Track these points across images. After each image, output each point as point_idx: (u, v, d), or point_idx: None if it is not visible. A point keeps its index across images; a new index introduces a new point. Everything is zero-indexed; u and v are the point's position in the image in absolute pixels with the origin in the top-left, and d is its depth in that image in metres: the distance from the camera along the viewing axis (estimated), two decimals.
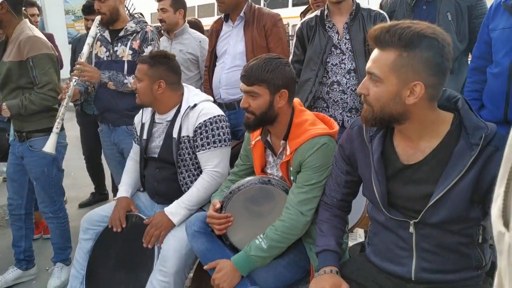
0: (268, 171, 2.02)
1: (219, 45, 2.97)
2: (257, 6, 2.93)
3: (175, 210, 2.14)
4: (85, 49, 2.67)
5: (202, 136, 2.18)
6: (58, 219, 2.78)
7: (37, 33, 2.56)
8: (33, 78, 2.48)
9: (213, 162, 2.20)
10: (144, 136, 2.36)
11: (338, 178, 1.69)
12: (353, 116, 2.50)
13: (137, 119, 2.46)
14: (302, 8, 4.03)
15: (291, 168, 1.84)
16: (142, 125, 2.39)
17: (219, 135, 2.20)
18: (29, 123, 2.57)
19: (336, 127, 1.87)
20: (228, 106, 2.93)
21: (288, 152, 1.84)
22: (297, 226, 1.77)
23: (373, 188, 1.48)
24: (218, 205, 1.92)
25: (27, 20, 2.59)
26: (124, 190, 2.40)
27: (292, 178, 1.85)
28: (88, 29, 3.68)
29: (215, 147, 2.19)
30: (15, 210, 2.76)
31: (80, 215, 3.16)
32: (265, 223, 1.84)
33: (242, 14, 2.86)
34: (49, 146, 2.48)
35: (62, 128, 2.67)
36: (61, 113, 2.51)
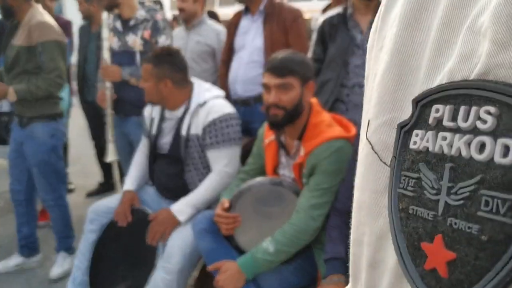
0: (280, 171, 1.96)
1: (237, 39, 2.89)
2: (278, 0, 2.85)
3: (182, 208, 2.09)
4: (106, 55, 2.73)
5: (211, 134, 2.13)
6: (59, 207, 2.76)
7: (48, 19, 2.55)
8: (41, 63, 2.46)
9: (222, 161, 2.14)
10: (154, 132, 2.31)
11: (351, 184, 1.62)
12: None
13: (147, 112, 2.42)
14: (326, 2, 3.91)
15: (304, 170, 1.78)
16: (152, 120, 2.34)
17: (228, 133, 2.14)
18: (31, 109, 2.55)
19: (354, 131, 1.80)
20: (243, 102, 2.85)
21: (302, 153, 1.78)
22: (307, 230, 1.71)
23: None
24: (226, 204, 1.87)
25: (39, 5, 2.58)
26: (130, 183, 2.36)
27: (304, 180, 1.79)
28: (81, 11, 3.66)
29: (224, 146, 2.13)
30: (15, 195, 2.77)
31: (87, 204, 3.13)
32: (274, 226, 1.78)
33: (262, 8, 2.78)
34: (111, 154, 2.87)
35: (61, 116, 2.68)
36: (109, 122, 2.80)
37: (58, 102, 2.67)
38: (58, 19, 3.83)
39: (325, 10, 3.60)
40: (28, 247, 2.84)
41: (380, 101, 0.28)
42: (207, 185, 2.13)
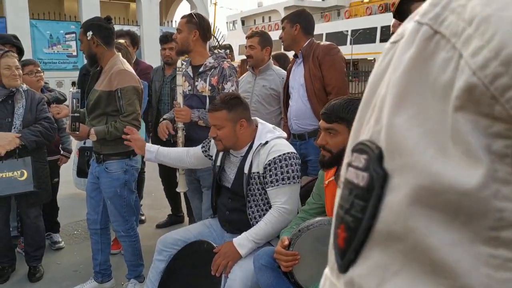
0: None
1: (289, 82, 3.23)
2: (317, 41, 3.14)
3: (243, 242, 2.19)
4: (179, 99, 2.93)
5: (271, 173, 2.23)
6: (130, 238, 2.92)
7: (127, 67, 2.79)
8: (119, 107, 2.69)
9: (281, 198, 2.23)
10: (218, 163, 2.46)
11: None
12: None
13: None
14: None
15: None
16: (217, 152, 2.49)
17: (287, 172, 2.23)
18: (107, 146, 2.76)
19: None
20: (300, 137, 3.13)
21: None
22: None
23: None
24: (286, 242, 1.94)
25: (119, 54, 2.83)
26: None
27: None
28: (164, 57, 3.93)
29: (283, 184, 2.23)
30: (92, 224, 2.96)
31: (156, 235, 3.31)
32: None
33: (301, 51, 3.09)
34: (181, 186, 3.04)
35: (135, 153, 2.87)
36: None
37: None
38: (140, 63, 4.18)
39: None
40: (102, 273, 3.01)
41: (350, 142, 0.43)
42: (267, 220, 2.22)
